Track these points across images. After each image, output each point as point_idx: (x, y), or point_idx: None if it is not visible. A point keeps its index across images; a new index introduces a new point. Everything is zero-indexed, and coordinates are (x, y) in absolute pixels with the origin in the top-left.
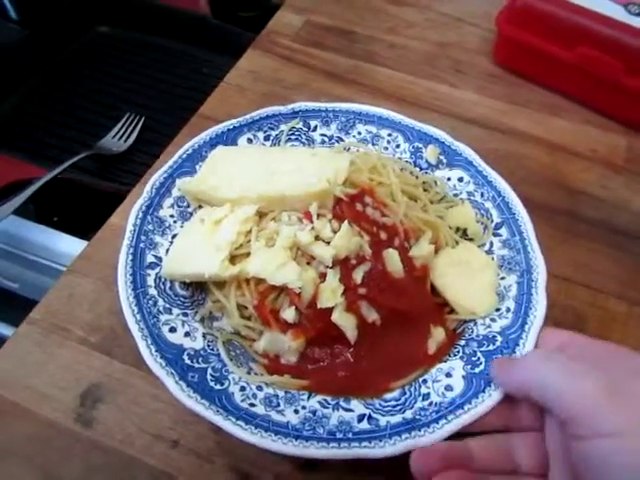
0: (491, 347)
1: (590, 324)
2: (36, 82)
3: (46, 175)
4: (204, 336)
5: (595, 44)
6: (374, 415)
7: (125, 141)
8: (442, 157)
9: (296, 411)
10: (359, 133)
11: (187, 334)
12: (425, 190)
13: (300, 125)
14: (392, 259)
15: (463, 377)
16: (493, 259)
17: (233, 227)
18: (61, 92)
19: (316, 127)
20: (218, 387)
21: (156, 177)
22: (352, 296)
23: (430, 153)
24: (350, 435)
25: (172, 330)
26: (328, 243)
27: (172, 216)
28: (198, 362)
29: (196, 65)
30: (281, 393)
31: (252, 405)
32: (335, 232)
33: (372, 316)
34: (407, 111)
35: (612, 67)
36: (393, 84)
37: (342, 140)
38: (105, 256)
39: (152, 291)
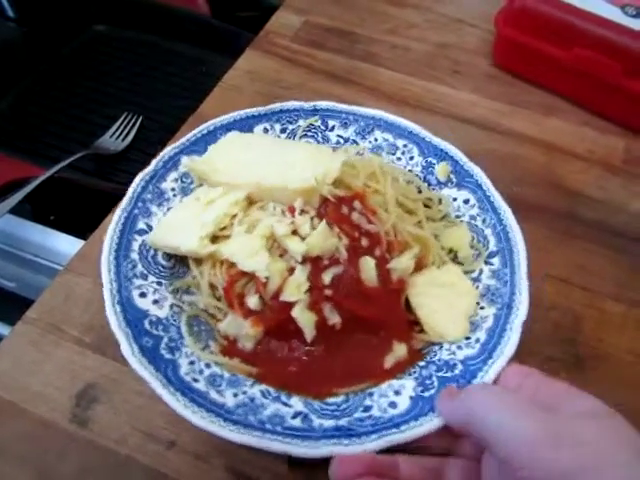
0: (449, 374)
1: (587, 325)
2: (33, 81)
3: (43, 174)
4: (171, 307)
5: (592, 46)
6: (310, 415)
7: (123, 140)
8: (452, 176)
9: (235, 395)
10: (375, 140)
11: (155, 302)
12: (427, 206)
13: (318, 123)
14: (367, 267)
15: (411, 397)
16: (478, 287)
17: (222, 209)
18: (58, 91)
19: (334, 127)
20: (168, 356)
21: (167, 150)
22: (317, 295)
23: (441, 170)
24: (279, 429)
25: (142, 295)
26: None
27: (173, 189)
28: (157, 329)
29: (194, 65)
30: (227, 375)
31: (195, 380)
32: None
33: (334, 319)
34: (406, 111)
35: (609, 69)
36: (392, 85)
37: (357, 144)
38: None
39: (134, 255)
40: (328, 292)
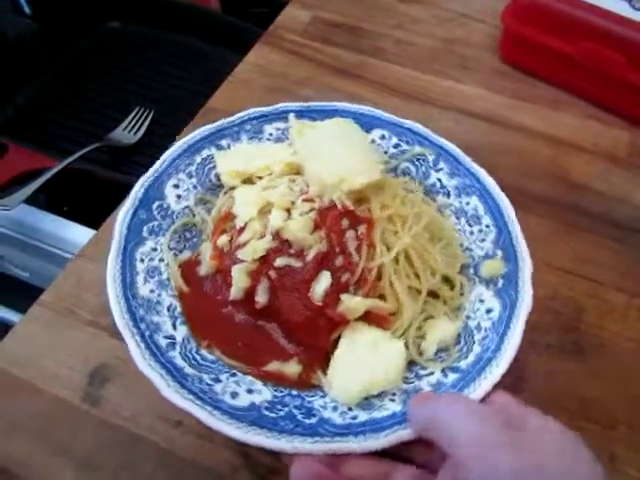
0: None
1: (589, 315)
2: (49, 75)
3: (57, 165)
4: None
5: (599, 39)
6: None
7: (135, 134)
8: (501, 281)
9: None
10: (467, 203)
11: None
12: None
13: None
14: (321, 280)
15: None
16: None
17: (270, 162)
18: (73, 85)
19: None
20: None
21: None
22: (262, 269)
23: (489, 267)
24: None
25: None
26: None
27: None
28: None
29: (205, 60)
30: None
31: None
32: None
33: (260, 298)
34: (412, 106)
35: (616, 62)
36: (399, 79)
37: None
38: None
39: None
40: (272, 273)
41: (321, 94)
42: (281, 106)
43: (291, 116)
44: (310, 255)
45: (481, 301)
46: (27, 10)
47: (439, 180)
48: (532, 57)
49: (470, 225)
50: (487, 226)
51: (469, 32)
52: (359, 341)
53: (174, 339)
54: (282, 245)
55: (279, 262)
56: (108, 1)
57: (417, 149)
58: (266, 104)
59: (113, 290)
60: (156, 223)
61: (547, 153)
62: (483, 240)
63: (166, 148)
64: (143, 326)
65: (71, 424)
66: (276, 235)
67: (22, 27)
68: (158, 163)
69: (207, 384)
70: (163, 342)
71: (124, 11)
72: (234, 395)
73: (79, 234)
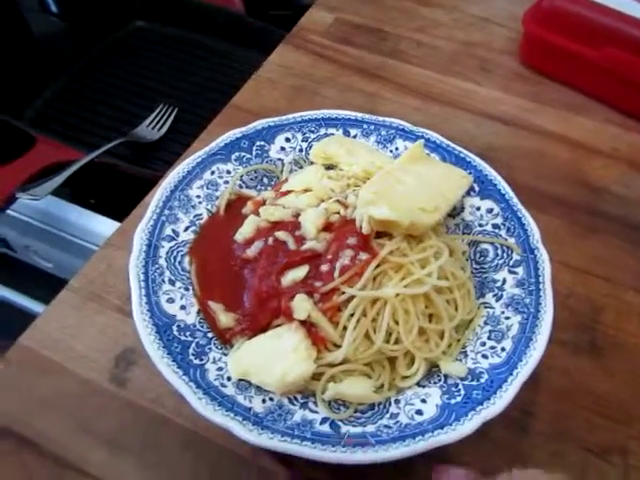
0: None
1: (606, 315)
2: (76, 72)
3: (84, 158)
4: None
5: (620, 44)
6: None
7: (159, 130)
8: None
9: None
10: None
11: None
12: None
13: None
14: (296, 272)
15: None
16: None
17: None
18: (99, 82)
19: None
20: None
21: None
22: (268, 232)
23: (449, 366)
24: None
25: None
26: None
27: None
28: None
29: (228, 60)
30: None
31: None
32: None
33: (250, 252)
34: (432, 107)
35: (637, 67)
36: (419, 81)
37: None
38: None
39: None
40: (270, 240)
41: (342, 94)
42: (426, 132)
43: (420, 141)
44: (305, 246)
45: (423, 401)
46: (54, 9)
47: (504, 281)
48: (552, 61)
49: (489, 337)
50: (502, 349)
51: (489, 35)
52: (284, 338)
53: (177, 236)
54: (294, 224)
55: (279, 234)
56: (135, 1)
57: (510, 242)
58: (289, 103)
59: (175, 174)
60: (247, 156)
61: (566, 156)
62: (485, 357)
63: (188, 145)
64: (167, 212)
65: (98, 404)
66: (296, 214)
67: (50, 26)
68: (294, 115)
69: (163, 280)
70: (167, 231)
71: (150, 11)
72: (170, 300)
73: (104, 226)
